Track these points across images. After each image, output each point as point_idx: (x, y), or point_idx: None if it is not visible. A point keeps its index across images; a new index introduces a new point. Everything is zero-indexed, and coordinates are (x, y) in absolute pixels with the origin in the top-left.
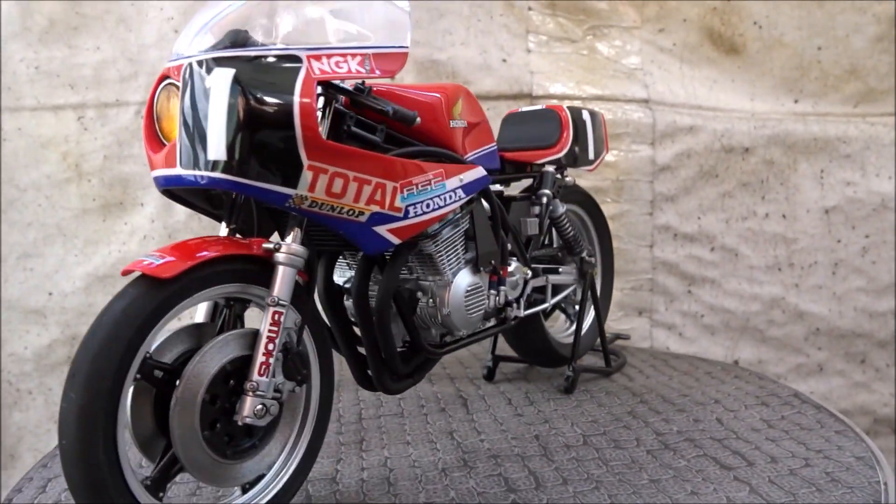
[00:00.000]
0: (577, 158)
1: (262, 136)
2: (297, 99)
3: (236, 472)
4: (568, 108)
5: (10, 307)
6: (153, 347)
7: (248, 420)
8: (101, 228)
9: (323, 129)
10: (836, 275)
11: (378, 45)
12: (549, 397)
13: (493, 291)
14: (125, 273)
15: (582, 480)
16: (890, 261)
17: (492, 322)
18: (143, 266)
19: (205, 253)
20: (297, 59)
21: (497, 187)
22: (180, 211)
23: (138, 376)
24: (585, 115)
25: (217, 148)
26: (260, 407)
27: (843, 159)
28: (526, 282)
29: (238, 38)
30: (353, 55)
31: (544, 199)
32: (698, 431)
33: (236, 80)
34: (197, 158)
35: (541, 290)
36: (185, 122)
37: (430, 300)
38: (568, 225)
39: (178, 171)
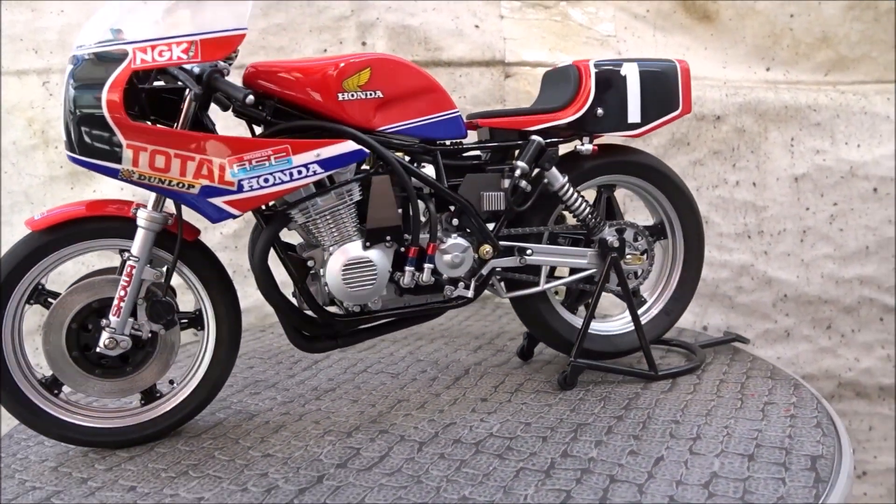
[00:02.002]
0: (602, 123)
1: (86, 122)
2: (105, 90)
3: (108, 388)
4: (603, 62)
5: None
6: (47, 280)
7: (99, 350)
8: (69, 196)
9: (188, 113)
10: (804, 242)
11: (208, 30)
12: (536, 388)
13: (410, 268)
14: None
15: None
16: (857, 228)
17: (428, 300)
18: (28, 219)
19: (79, 209)
20: (125, 53)
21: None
22: None
23: (32, 302)
24: (628, 70)
25: (64, 133)
26: (110, 340)
27: (813, 127)
28: (484, 261)
29: (94, 35)
30: (179, 43)
31: (517, 172)
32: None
33: (71, 75)
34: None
35: (536, 270)
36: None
37: (315, 269)
38: (577, 201)
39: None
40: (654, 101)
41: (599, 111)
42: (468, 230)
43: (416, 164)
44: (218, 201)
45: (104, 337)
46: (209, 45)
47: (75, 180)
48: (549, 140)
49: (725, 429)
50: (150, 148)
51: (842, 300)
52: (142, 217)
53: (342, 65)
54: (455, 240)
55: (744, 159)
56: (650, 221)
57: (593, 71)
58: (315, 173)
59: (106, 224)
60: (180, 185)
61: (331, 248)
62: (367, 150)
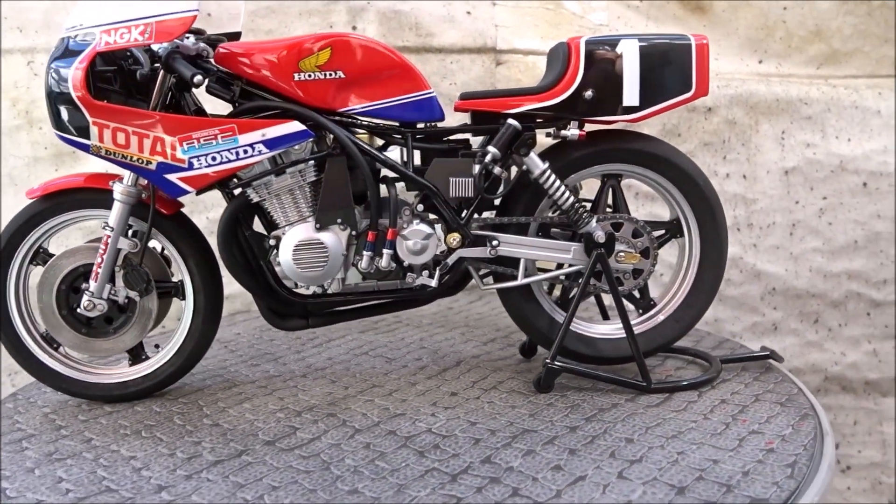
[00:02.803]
0: (591, 107)
1: (60, 101)
2: (71, 70)
3: (92, 347)
4: (596, 39)
5: None
6: (49, 244)
7: (80, 311)
8: (53, 178)
9: (160, 92)
10: (793, 235)
11: (161, 13)
12: (514, 388)
13: (367, 252)
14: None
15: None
16: (846, 222)
17: (398, 286)
18: (28, 189)
19: (76, 180)
20: (94, 36)
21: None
22: None
23: (35, 263)
24: (625, 47)
25: (48, 112)
26: (88, 303)
27: (804, 121)
28: (451, 249)
29: (77, 19)
30: (136, 26)
31: (487, 157)
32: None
33: (52, 58)
34: None
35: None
36: None
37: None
38: (557, 190)
39: None
40: (658, 82)
41: (588, 93)
42: (437, 217)
43: (404, 149)
44: (173, 177)
45: (84, 299)
46: (162, 27)
47: (60, 161)
48: (528, 124)
49: (679, 455)
50: (112, 125)
51: (829, 294)
52: (117, 190)
53: (298, 45)
54: (417, 226)
55: (734, 152)
56: (666, 217)
57: (583, 49)
58: (260, 153)
59: (102, 195)
60: (140, 160)
61: (286, 228)
62: (312, 132)
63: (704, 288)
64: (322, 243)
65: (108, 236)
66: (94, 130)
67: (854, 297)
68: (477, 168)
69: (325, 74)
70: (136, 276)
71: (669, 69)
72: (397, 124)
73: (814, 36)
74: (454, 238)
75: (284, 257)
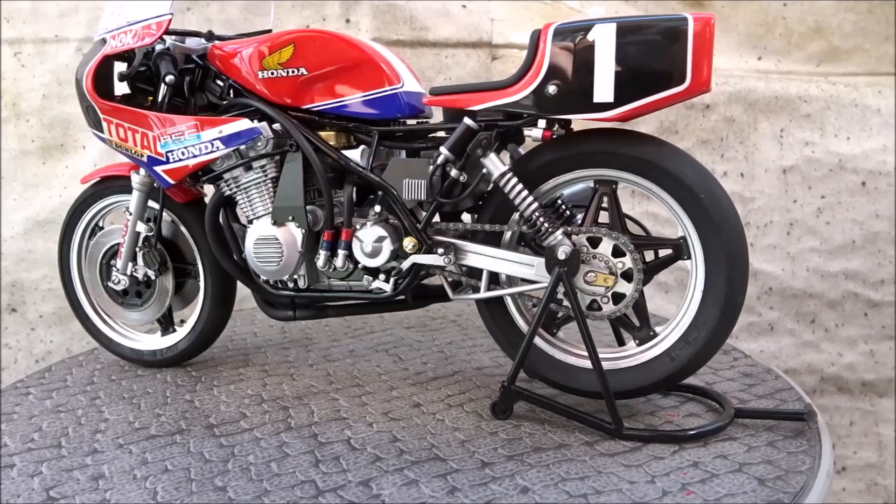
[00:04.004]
0: (557, 103)
1: (83, 99)
2: (84, 71)
3: (126, 316)
4: (567, 24)
5: None
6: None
7: (109, 284)
8: (40, 171)
9: (165, 91)
10: (790, 235)
11: (143, 18)
12: (480, 408)
13: (323, 251)
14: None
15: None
16: (844, 222)
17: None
18: (83, 176)
19: (121, 168)
20: (105, 41)
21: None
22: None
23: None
24: (598, 33)
25: None
26: (114, 278)
27: (803, 119)
28: (406, 255)
29: (102, 23)
30: (128, 31)
31: (439, 159)
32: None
33: (85, 61)
34: None
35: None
36: None
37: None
38: (519, 196)
39: None
40: (639, 73)
41: (551, 88)
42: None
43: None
44: (159, 169)
45: (113, 274)
46: (143, 30)
47: (47, 155)
48: (490, 122)
49: None
50: (115, 122)
51: (827, 294)
52: (134, 180)
53: (262, 43)
54: (371, 228)
55: (732, 150)
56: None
57: (550, 37)
58: (218, 149)
59: (125, 182)
60: (137, 153)
61: (253, 221)
62: (258, 129)
63: (708, 325)
64: (276, 239)
65: (126, 220)
66: (104, 126)
67: (851, 298)
68: (430, 169)
69: (288, 72)
70: (151, 256)
71: (655, 57)
72: (365, 121)
73: (814, 33)
74: (409, 243)
75: (247, 250)
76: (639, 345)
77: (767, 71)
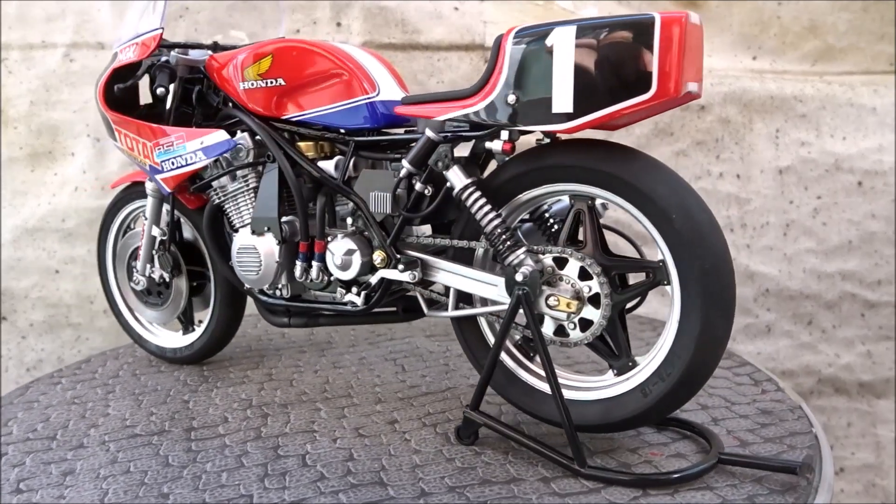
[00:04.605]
0: (516, 114)
1: (99, 109)
2: (98, 82)
3: (150, 315)
4: (527, 28)
5: None
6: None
7: (131, 284)
8: (29, 179)
9: (173, 100)
10: (787, 236)
11: (141, 33)
12: (448, 430)
13: (300, 262)
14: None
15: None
16: (840, 222)
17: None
18: (112, 182)
19: (139, 177)
20: (116, 54)
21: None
22: (113, 161)
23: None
24: (557, 38)
25: None
26: (135, 278)
27: (799, 119)
28: (375, 268)
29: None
30: (130, 45)
31: (401, 172)
32: None
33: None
34: None
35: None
36: None
37: None
38: (480, 212)
39: None
40: (599, 80)
41: (511, 97)
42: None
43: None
44: (159, 178)
45: (133, 275)
46: (141, 45)
47: (36, 163)
48: (455, 133)
49: None
50: (122, 131)
51: (823, 295)
52: (148, 186)
53: (244, 54)
54: (341, 240)
55: (728, 150)
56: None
57: (510, 42)
58: (201, 159)
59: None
60: (141, 162)
61: (239, 230)
62: (234, 141)
63: (683, 361)
64: (255, 249)
65: (143, 224)
66: (115, 134)
67: (848, 299)
68: (394, 182)
69: (267, 82)
70: (165, 259)
71: (618, 63)
72: (342, 132)
73: (808, 32)
74: (378, 256)
75: (232, 258)
76: (616, 375)
77: (762, 71)
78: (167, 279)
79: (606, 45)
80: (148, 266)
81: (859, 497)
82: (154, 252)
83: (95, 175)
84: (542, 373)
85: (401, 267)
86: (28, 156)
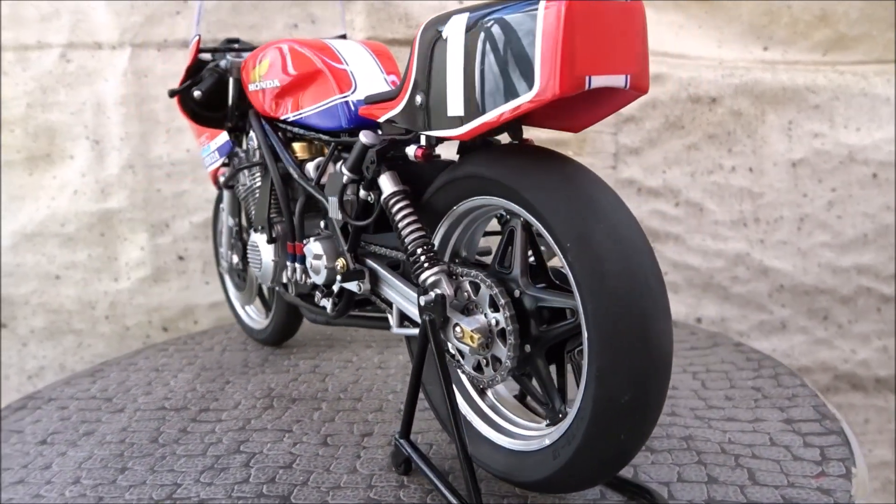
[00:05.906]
0: (423, 117)
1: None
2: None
3: (237, 296)
4: (432, 20)
5: None
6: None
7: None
8: (27, 183)
9: (232, 99)
10: (801, 230)
11: (191, 37)
12: (371, 456)
13: (290, 263)
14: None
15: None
16: (855, 215)
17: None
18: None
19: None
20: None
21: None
22: (113, 164)
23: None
24: (451, 29)
25: None
26: (223, 264)
27: (812, 110)
28: (340, 274)
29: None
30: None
31: (343, 178)
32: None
33: None
34: None
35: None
36: None
37: None
38: (401, 223)
39: None
40: (485, 78)
41: (419, 98)
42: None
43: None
44: (207, 171)
45: (220, 260)
46: (191, 50)
47: (34, 166)
48: (390, 137)
49: None
50: (195, 126)
51: (839, 290)
52: (221, 180)
53: (252, 55)
54: (312, 243)
55: (740, 144)
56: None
57: (419, 35)
58: (216, 159)
59: None
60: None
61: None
62: (231, 142)
63: (593, 421)
64: (257, 246)
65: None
66: (193, 128)
67: (864, 293)
68: (339, 188)
69: (265, 84)
70: (238, 247)
71: (502, 57)
72: (310, 130)
73: (819, 21)
74: (339, 263)
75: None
76: (547, 425)
77: (774, 62)
78: (241, 266)
79: (493, 36)
80: (228, 252)
81: (877, 495)
82: (231, 240)
83: (95, 178)
84: (484, 410)
85: (346, 277)
86: (25, 159)
